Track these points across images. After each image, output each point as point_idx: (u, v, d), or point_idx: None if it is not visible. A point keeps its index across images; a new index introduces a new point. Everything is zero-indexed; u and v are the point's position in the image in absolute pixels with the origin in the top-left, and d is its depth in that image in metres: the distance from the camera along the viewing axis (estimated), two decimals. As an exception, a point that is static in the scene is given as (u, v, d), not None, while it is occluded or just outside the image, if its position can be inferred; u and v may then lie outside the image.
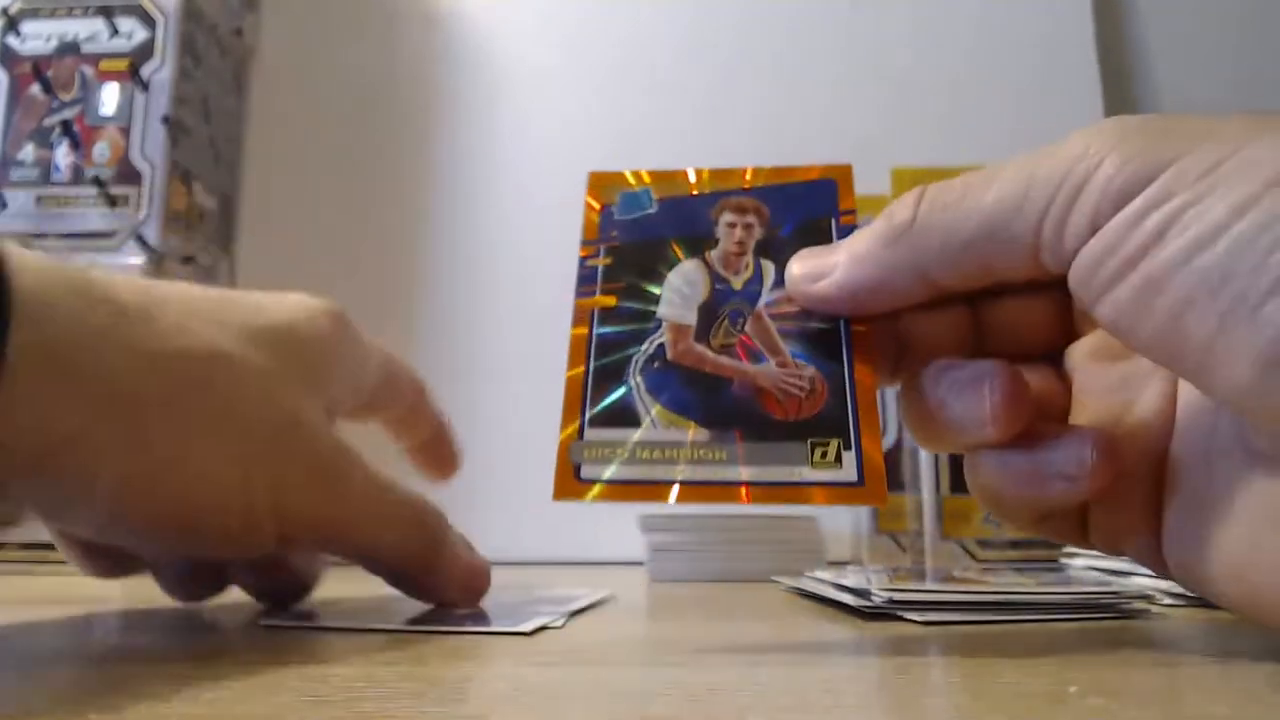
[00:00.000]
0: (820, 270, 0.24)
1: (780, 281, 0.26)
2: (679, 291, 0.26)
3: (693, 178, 0.28)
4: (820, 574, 0.39)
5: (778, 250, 0.26)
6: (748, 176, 0.28)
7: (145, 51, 0.65)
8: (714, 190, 0.28)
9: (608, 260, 0.27)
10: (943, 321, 0.25)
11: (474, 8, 0.82)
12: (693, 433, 0.23)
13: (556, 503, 0.23)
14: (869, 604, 0.31)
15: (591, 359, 0.25)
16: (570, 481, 0.23)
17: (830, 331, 0.25)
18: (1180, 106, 0.80)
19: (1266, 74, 0.80)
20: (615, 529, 0.62)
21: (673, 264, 0.27)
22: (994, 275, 0.23)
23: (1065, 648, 0.25)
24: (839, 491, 0.22)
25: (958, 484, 0.54)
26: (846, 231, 0.26)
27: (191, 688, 0.20)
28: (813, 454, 0.23)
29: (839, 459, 0.23)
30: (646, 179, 0.29)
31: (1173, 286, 0.18)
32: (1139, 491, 0.23)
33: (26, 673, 0.22)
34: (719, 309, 0.26)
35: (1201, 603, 0.34)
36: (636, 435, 0.23)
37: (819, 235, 0.26)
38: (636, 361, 0.25)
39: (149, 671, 0.22)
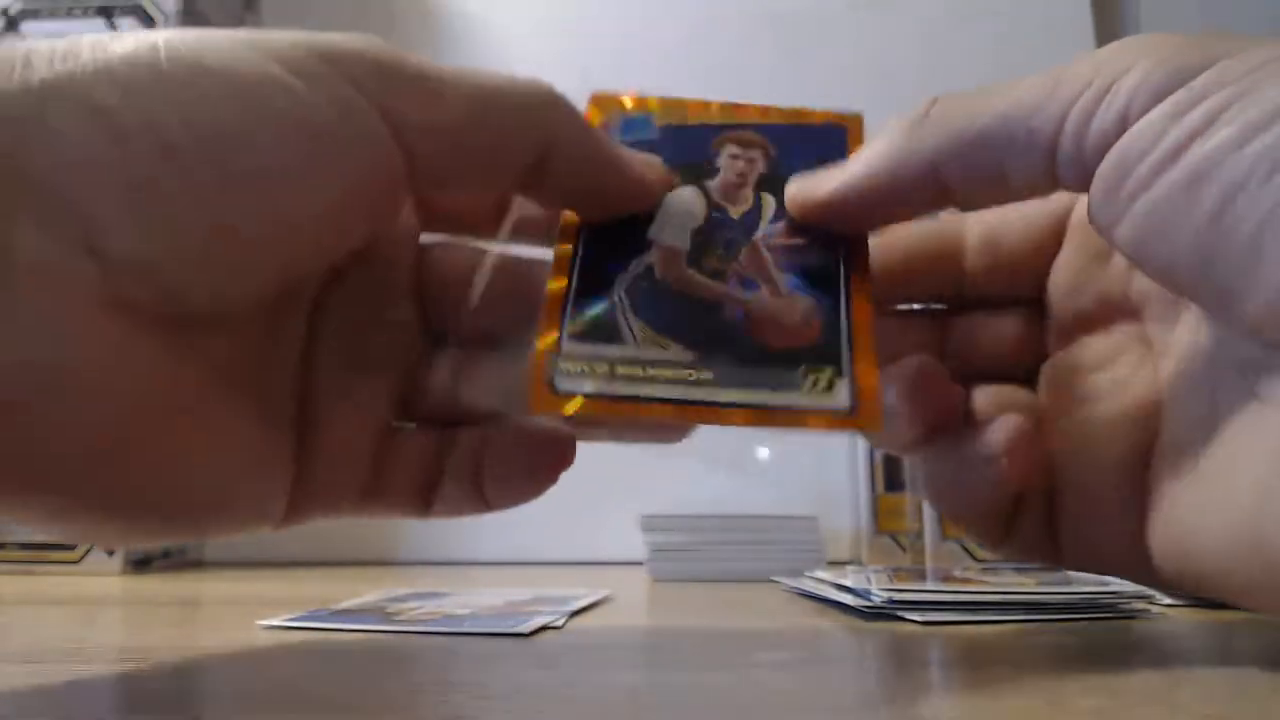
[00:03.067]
0: (822, 182, 0.24)
1: (780, 214, 0.25)
2: (674, 216, 0.25)
3: (696, 108, 0.27)
4: (820, 574, 0.39)
5: (779, 186, 0.25)
6: (755, 113, 0.27)
7: (145, 52, 0.65)
8: (719, 123, 0.27)
9: None
10: (911, 334, 0.26)
11: (473, 8, 0.82)
12: (678, 353, 0.22)
13: (538, 415, 0.22)
14: (869, 604, 0.31)
15: (575, 274, 0.23)
16: (546, 394, 0.22)
17: (828, 264, 0.24)
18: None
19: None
20: (615, 529, 0.62)
21: (669, 189, 0.25)
22: (1005, 179, 0.21)
23: (1065, 648, 0.25)
24: (831, 417, 0.22)
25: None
26: None
27: (191, 688, 0.20)
28: (804, 381, 0.22)
29: (831, 387, 0.22)
30: (651, 105, 0.27)
31: (1223, 173, 0.17)
32: (1119, 492, 0.23)
33: (26, 673, 0.22)
34: (714, 236, 0.24)
35: (1202, 603, 0.34)
36: (617, 351, 0.22)
37: None
38: (622, 280, 0.23)
39: (149, 671, 0.22)
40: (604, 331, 0.22)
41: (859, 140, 0.26)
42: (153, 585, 0.49)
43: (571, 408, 0.21)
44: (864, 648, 0.26)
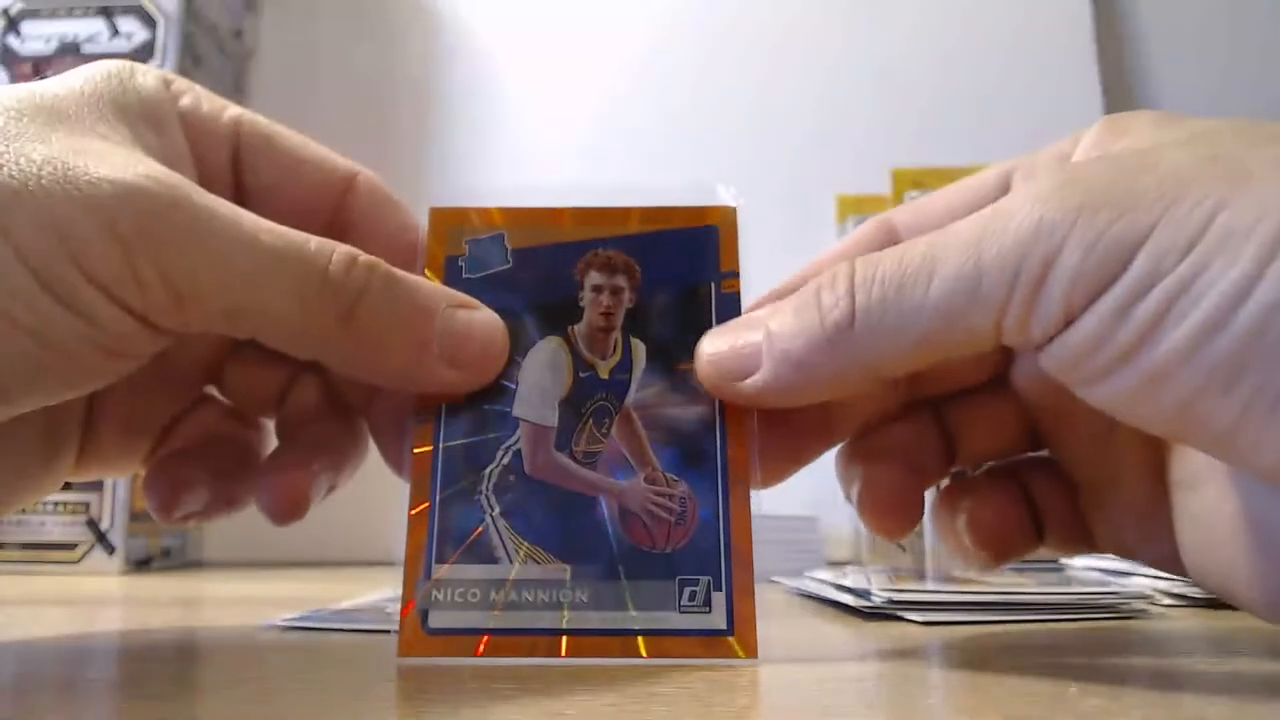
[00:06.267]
0: (741, 366, 0.21)
1: (652, 367, 0.23)
2: (538, 385, 0.23)
3: (551, 220, 0.24)
4: (820, 574, 0.39)
5: (649, 325, 0.23)
6: (618, 219, 0.24)
7: (145, 52, 0.65)
8: (579, 238, 0.24)
9: None
10: (910, 429, 0.26)
11: (473, 10, 0.82)
12: (554, 569, 0.21)
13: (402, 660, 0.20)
14: (869, 604, 0.31)
15: (437, 488, 0.22)
16: (418, 634, 0.20)
17: (706, 436, 0.22)
18: (1178, 101, 0.80)
19: (1264, 65, 0.80)
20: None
21: (529, 345, 0.23)
22: (950, 363, 0.21)
23: (1065, 648, 0.25)
24: (706, 642, 0.20)
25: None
26: (728, 302, 0.23)
27: (192, 689, 0.20)
28: (681, 595, 0.21)
29: (707, 601, 0.21)
30: (498, 219, 0.24)
31: (1180, 380, 0.16)
32: (1144, 510, 0.23)
33: (26, 673, 0.22)
34: (583, 404, 0.23)
35: (1201, 603, 0.34)
36: (494, 575, 0.21)
37: (698, 308, 0.23)
38: (490, 476, 0.22)
39: (149, 672, 0.22)
40: (478, 552, 0.21)
41: (732, 244, 0.24)
42: (153, 585, 0.49)
43: (447, 649, 0.20)
44: (864, 648, 0.26)
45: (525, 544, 0.21)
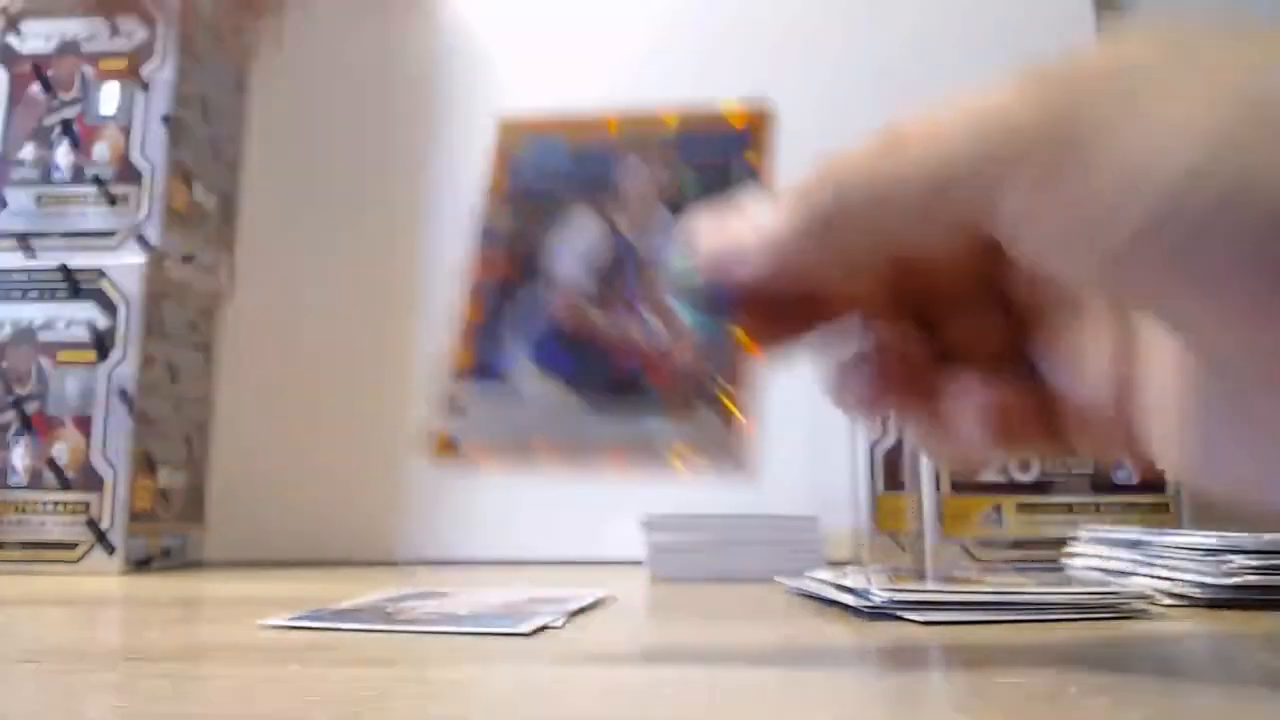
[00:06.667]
0: (731, 250, 0.23)
1: (679, 234, 0.25)
2: (575, 249, 0.26)
3: (603, 122, 0.28)
4: (820, 574, 0.39)
5: (682, 204, 0.26)
6: (660, 121, 0.28)
7: (145, 51, 0.65)
8: (628, 136, 0.27)
9: (508, 214, 0.27)
10: (895, 328, 0.25)
11: (473, 10, 0.82)
12: (575, 401, 0.24)
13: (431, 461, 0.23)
14: (869, 604, 0.31)
15: (481, 321, 0.25)
16: (443, 444, 0.24)
17: (719, 294, 0.24)
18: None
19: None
20: (615, 529, 0.62)
21: (574, 221, 0.26)
22: (937, 264, 0.23)
23: (1065, 648, 0.25)
24: (708, 453, 0.23)
25: (958, 484, 0.54)
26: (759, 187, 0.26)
27: (192, 687, 0.20)
28: (688, 417, 0.23)
29: (712, 423, 0.23)
30: (559, 125, 0.28)
31: (1138, 260, 0.18)
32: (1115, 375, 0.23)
33: (27, 672, 0.22)
34: (616, 267, 0.25)
35: (1201, 603, 0.34)
36: (518, 398, 0.24)
37: (729, 192, 0.25)
38: (528, 323, 0.25)
39: (149, 671, 0.22)
40: (505, 380, 0.24)
41: (765, 135, 0.26)
42: (153, 585, 0.49)
43: (470, 459, 0.24)
44: (864, 648, 0.26)
45: (551, 379, 0.24)
